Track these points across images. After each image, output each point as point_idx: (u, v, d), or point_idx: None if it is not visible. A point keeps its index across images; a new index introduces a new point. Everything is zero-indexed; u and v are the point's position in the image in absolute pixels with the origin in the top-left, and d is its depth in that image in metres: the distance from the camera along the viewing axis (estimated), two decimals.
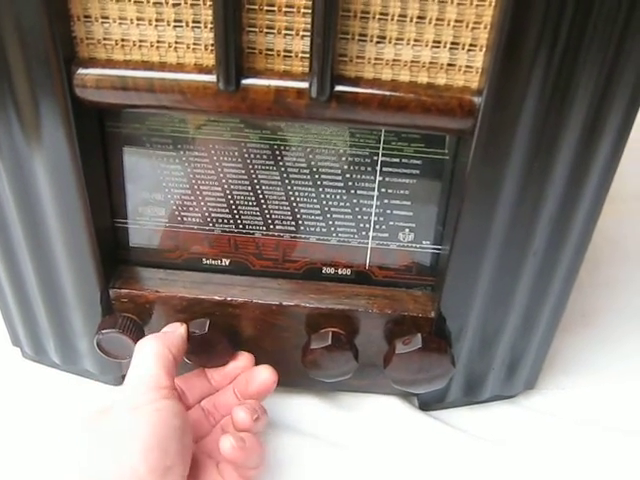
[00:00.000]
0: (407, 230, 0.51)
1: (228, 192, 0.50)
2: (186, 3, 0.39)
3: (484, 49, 0.40)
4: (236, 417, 0.49)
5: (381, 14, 0.39)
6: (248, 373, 0.54)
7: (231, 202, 0.50)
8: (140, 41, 0.41)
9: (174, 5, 0.39)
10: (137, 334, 0.52)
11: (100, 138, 0.48)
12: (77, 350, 0.56)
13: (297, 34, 0.40)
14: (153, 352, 0.48)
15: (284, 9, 0.39)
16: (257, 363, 0.54)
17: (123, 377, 0.59)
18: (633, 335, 0.67)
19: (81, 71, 0.42)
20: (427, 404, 0.59)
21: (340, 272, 0.53)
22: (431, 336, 0.51)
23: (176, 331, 0.51)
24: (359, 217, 0.50)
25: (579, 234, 0.47)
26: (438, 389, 0.54)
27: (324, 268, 0.53)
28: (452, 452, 0.56)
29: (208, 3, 0.39)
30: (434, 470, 0.55)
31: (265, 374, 0.53)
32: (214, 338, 0.52)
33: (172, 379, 0.47)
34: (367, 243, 0.52)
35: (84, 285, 0.51)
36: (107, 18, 0.40)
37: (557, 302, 0.52)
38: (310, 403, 0.59)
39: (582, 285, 0.68)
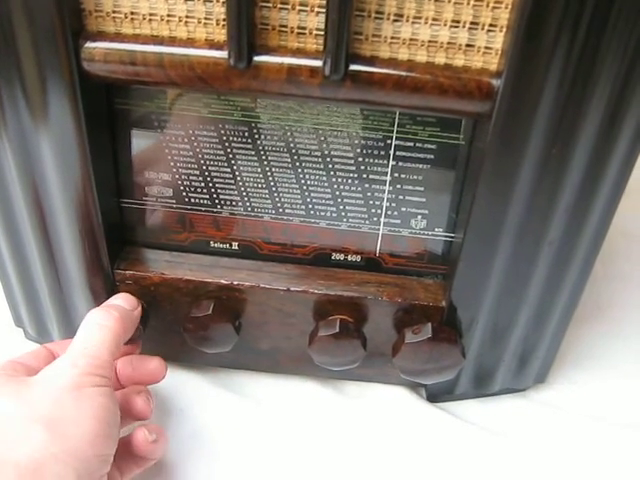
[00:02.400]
0: (419, 217, 0.49)
1: (237, 173, 0.49)
2: None
3: (504, 30, 0.38)
4: (136, 438, 0.47)
5: None
6: (136, 358, 0.52)
7: (240, 184, 0.49)
8: (150, 14, 0.40)
9: None
10: (144, 318, 0.51)
11: (107, 115, 0.47)
12: None
13: (312, 10, 0.39)
14: (112, 335, 0.46)
15: None
16: (261, 348, 0.54)
17: None
18: None
19: (89, 44, 0.41)
20: (435, 395, 0.58)
21: (350, 258, 0.52)
22: (441, 326, 0.50)
23: (134, 313, 0.50)
24: (370, 202, 0.49)
25: (596, 224, 0.46)
26: (447, 380, 0.53)
27: (333, 254, 0.52)
28: (459, 444, 0.55)
29: None
30: (440, 461, 0.54)
31: (155, 364, 0.52)
32: (218, 322, 0.51)
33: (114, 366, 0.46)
34: (378, 229, 0.50)
35: (88, 265, 0.50)
36: None
37: (571, 294, 0.51)
38: (314, 390, 0.58)
39: (597, 278, 0.68)
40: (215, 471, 0.52)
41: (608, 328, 0.66)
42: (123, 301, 0.50)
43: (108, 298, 0.51)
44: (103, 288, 0.51)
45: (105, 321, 0.47)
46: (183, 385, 0.57)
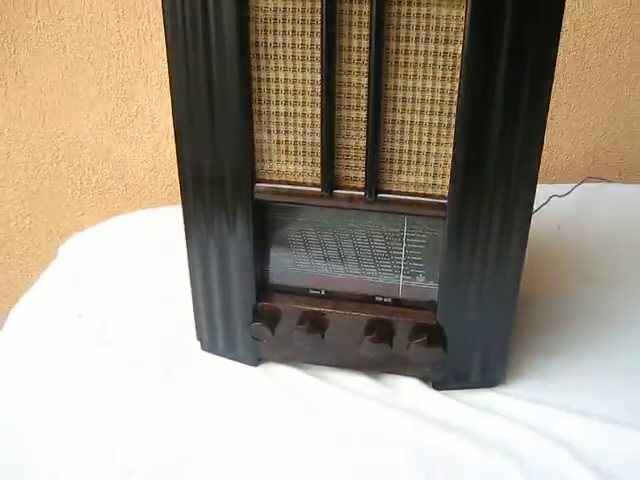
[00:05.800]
0: (421, 274, 0.90)
1: (325, 252, 0.91)
2: (304, 155, 0.84)
3: (448, 177, 0.81)
4: None
5: (399, 161, 0.82)
6: None
7: (326, 257, 0.91)
8: (286, 172, 0.85)
9: (303, 159, 0.83)
10: (272, 327, 0.93)
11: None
12: (236, 341, 0.97)
13: (361, 170, 0.83)
14: None
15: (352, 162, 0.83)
16: (337, 350, 0.95)
17: (259, 359, 0.99)
18: (580, 342, 0.99)
19: (259, 186, 0.85)
20: (437, 384, 0.92)
21: (384, 299, 0.92)
22: (433, 336, 0.89)
23: None
24: (394, 267, 0.90)
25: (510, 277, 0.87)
26: (442, 375, 0.91)
27: (375, 297, 0.93)
28: (452, 417, 0.86)
29: (317, 159, 0.83)
30: (442, 428, 0.84)
31: None
32: (313, 333, 0.91)
33: None
34: (399, 282, 0.91)
35: (247, 302, 0.92)
36: (271, 161, 0.85)
37: (501, 319, 0.90)
38: (365, 380, 0.92)
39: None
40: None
41: (550, 341, 0.98)
42: None
43: (254, 322, 0.94)
44: (251, 314, 0.94)
45: None
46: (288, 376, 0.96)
